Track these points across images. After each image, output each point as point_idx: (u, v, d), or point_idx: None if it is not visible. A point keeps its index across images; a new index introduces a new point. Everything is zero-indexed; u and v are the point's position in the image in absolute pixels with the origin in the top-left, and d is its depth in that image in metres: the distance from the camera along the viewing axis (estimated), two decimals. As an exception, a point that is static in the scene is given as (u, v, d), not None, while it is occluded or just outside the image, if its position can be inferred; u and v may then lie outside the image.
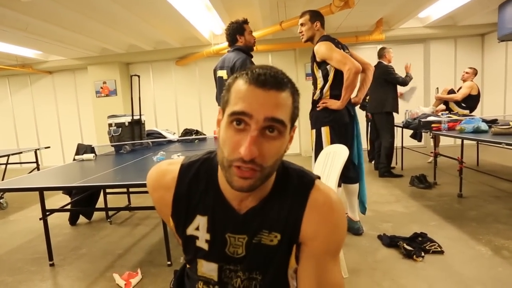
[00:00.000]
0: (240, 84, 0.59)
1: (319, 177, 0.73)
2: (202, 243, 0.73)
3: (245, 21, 2.73)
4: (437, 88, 5.11)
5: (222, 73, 2.73)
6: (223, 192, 0.70)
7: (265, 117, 0.57)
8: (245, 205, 0.69)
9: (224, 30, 2.79)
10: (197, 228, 0.73)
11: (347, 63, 2.30)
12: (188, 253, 0.77)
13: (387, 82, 4.27)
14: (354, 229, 2.57)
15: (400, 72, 4.49)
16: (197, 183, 0.73)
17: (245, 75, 0.59)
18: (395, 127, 4.50)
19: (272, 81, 0.58)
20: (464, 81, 4.67)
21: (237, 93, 0.59)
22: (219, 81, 2.79)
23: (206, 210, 0.72)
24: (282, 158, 0.65)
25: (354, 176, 2.56)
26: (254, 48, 2.84)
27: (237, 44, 2.71)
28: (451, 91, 4.77)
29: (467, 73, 4.64)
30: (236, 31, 2.69)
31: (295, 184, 0.70)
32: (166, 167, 0.76)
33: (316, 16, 2.53)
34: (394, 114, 4.47)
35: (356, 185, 2.57)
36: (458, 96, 4.55)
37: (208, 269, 0.74)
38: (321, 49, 2.40)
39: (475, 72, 4.62)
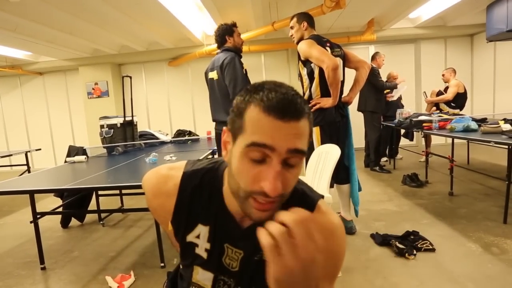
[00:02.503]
0: (256, 112, 0.54)
1: (322, 196, 0.71)
2: (201, 251, 0.72)
3: (234, 24, 2.76)
4: (424, 92, 5.14)
5: (213, 74, 2.74)
6: (226, 204, 0.69)
7: (288, 149, 0.53)
8: (248, 219, 0.67)
9: (214, 32, 2.80)
10: (198, 236, 0.72)
11: (324, 60, 2.30)
12: (185, 258, 0.76)
13: (371, 83, 4.40)
14: (347, 228, 2.58)
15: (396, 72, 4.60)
16: (200, 193, 0.71)
17: (261, 102, 0.54)
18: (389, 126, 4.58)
19: (292, 110, 0.53)
20: (446, 81, 4.75)
21: (254, 121, 0.54)
22: (211, 83, 2.80)
23: (208, 220, 0.71)
24: None
25: (345, 177, 2.58)
26: (243, 49, 2.85)
27: (226, 45, 2.73)
28: (439, 93, 4.84)
29: (443, 75, 4.76)
30: (226, 32, 2.71)
31: (298, 202, 0.65)
32: (167, 172, 0.74)
33: (302, 17, 2.58)
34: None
35: (348, 185, 2.59)
36: (449, 96, 4.63)
37: (203, 277, 0.73)
38: (302, 47, 2.42)
39: (453, 71, 4.71)
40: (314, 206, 0.67)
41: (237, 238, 0.69)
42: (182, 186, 0.71)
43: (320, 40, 2.44)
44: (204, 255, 0.72)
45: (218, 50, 2.79)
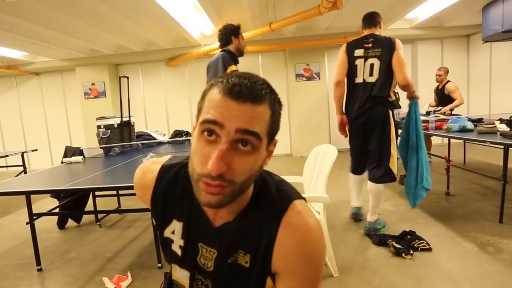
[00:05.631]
0: (215, 93, 0.55)
1: (302, 197, 0.66)
2: (176, 248, 0.72)
3: (239, 27, 2.73)
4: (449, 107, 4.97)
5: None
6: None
7: (237, 128, 0.52)
8: (220, 216, 0.66)
9: (217, 31, 2.75)
10: (173, 232, 0.72)
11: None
12: (165, 254, 0.77)
13: None
14: (374, 230, 2.53)
15: None
16: (174, 188, 0.71)
17: (220, 84, 0.55)
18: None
19: (248, 93, 0.53)
20: (441, 82, 4.74)
21: (210, 101, 0.55)
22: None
23: (182, 216, 0.71)
24: (256, 174, 0.60)
25: (379, 175, 2.48)
26: (244, 52, 2.82)
27: (228, 47, 2.68)
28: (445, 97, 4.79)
29: (440, 75, 4.72)
30: (232, 32, 2.68)
31: (270, 202, 0.64)
32: (149, 166, 0.76)
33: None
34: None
35: (381, 186, 2.50)
36: (462, 100, 4.61)
37: (181, 275, 0.73)
38: None
39: (447, 70, 4.71)
40: (288, 203, 0.63)
41: (210, 237, 0.68)
42: (158, 179, 0.72)
43: (352, 44, 2.55)
44: (179, 252, 0.72)
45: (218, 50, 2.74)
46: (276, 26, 4.71)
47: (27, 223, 2.26)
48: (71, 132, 7.30)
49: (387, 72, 2.42)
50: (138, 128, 4.32)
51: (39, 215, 2.37)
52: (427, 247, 2.24)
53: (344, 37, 5.87)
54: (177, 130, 4.41)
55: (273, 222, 0.62)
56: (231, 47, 2.69)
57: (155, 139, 4.09)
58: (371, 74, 2.45)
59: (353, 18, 5.39)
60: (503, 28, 4.33)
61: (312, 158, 2.25)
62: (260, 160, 0.58)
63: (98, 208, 3.35)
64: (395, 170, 2.47)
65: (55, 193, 3.05)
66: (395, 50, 2.42)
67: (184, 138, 4.17)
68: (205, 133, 0.55)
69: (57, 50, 5.58)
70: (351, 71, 2.52)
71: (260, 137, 0.55)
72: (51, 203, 3.26)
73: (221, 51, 2.68)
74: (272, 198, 0.64)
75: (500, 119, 3.03)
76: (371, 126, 2.48)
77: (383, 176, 2.47)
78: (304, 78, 6.37)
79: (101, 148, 3.58)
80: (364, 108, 2.47)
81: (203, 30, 5.63)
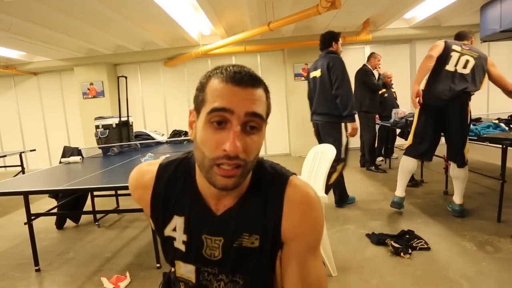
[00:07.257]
0: (216, 83, 0.59)
1: (294, 174, 0.72)
2: (179, 244, 0.73)
3: (340, 34, 3.15)
4: None
5: (316, 73, 3.07)
6: (200, 192, 0.70)
7: (246, 112, 0.58)
8: (223, 204, 0.69)
9: (321, 34, 3.17)
10: (174, 229, 0.73)
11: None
12: (167, 255, 0.78)
13: (365, 83, 4.49)
14: (458, 212, 2.75)
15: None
16: (174, 183, 0.73)
17: (220, 74, 0.59)
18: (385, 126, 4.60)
19: (248, 78, 0.59)
20: None
21: (214, 91, 0.59)
22: (313, 81, 3.13)
23: (183, 211, 0.72)
24: (259, 154, 0.65)
25: (461, 162, 2.75)
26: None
27: (330, 49, 3.06)
28: None
29: None
30: (334, 38, 3.08)
31: (269, 181, 0.69)
32: (146, 168, 0.77)
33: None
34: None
35: (466, 170, 2.76)
36: None
37: (185, 270, 0.74)
38: None
39: None
40: (286, 180, 0.69)
41: (214, 226, 0.69)
42: (158, 177, 0.74)
43: (450, 42, 2.84)
44: (183, 247, 0.73)
45: (321, 53, 3.13)
46: (274, 25, 4.71)
47: (25, 223, 2.25)
48: (70, 132, 7.28)
49: (479, 74, 2.78)
50: (137, 128, 4.32)
51: (37, 215, 2.37)
52: (426, 246, 2.24)
53: (343, 37, 5.79)
54: (175, 130, 4.41)
55: (276, 199, 0.67)
56: (332, 49, 3.06)
57: (153, 139, 4.09)
58: (464, 67, 2.72)
59: (351, 18, 5.40)
60: (501, 27, 4.34)
61: (311, 157, 2.25)
62: (263, 138, 0.63)
63: (97, 208, 3.34)
64: (467, 156, 2.76)
65: (53, 193, 3.05)
66: (489, 65, 2.84)
67: (182, 138, 4.16)
68: (214, 122, 0.58)
69: (55, 50, 5.56)
70: (443, 59, 2.74)
71: (263, 118, 0.61)
72: (50, 203, 3.25)
73: (329, 52, 3.05)
74: (270, 177, 0.70)
75: (498, 119, 3.05)
76: (453, 115, 2.69)
77: (462, 162, 2.75)
78: (302, 78, 6.36)
79: (99, 148, 3.58)
80: (450, 94, 2.66)
81: (201, 30, 5.63)
